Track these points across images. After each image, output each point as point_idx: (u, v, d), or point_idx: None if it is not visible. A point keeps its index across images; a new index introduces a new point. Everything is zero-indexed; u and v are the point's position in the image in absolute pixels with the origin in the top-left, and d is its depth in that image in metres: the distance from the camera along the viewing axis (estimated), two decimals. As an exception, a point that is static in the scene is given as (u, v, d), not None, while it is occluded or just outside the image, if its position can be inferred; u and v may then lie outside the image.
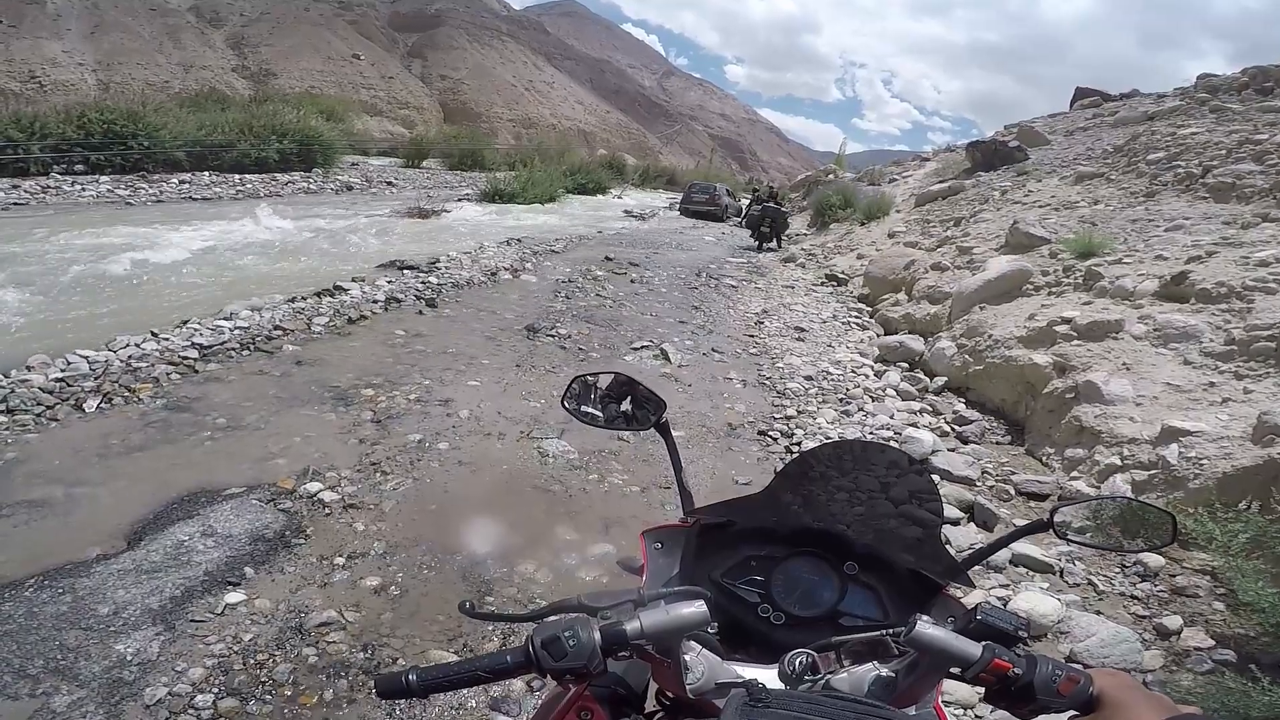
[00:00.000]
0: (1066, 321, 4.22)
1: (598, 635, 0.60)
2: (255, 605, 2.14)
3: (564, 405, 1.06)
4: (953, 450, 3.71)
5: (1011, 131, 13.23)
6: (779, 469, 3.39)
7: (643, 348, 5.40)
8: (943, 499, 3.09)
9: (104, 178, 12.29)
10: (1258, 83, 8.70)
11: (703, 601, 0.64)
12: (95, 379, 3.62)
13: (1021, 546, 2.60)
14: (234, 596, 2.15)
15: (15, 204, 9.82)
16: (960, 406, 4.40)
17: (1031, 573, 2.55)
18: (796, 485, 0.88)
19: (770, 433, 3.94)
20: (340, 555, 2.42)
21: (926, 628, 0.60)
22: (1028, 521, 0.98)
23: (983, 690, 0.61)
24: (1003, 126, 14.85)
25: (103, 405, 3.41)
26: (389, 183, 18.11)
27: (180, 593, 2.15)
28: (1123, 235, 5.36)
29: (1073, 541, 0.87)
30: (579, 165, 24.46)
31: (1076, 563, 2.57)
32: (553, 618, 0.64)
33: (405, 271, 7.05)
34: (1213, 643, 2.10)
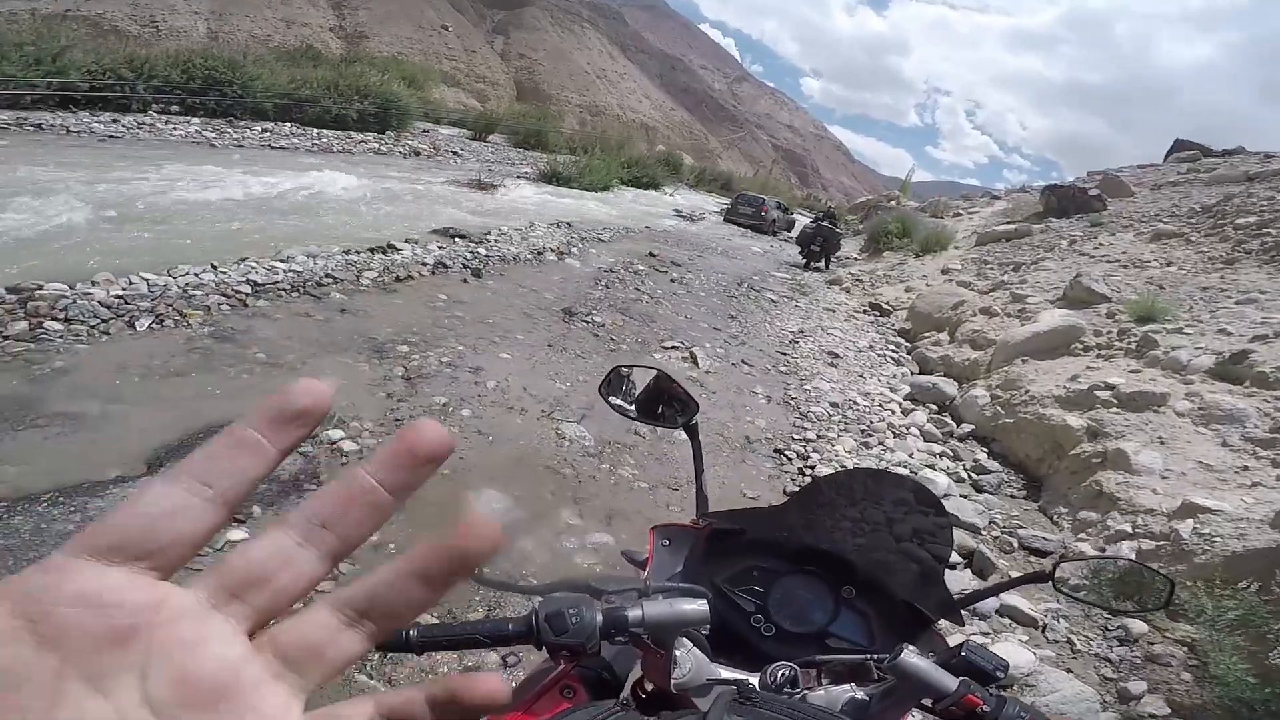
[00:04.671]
0: (1110, 388, 4.08)
1: (599, 617, 0.62)
2: None
3: (600, 391, 1.08)
4: (965, 497, 3.64)
5: (1094, 179, 12.67)
6: (798, 486, 3.40)
7: (673, 348, 5.44)
8: (954, 536, 3.07)
9: (195, 120, 13.00)
10: (1377, 150, 8.06)
11: (705, 601, 0.66)
12: (151, 300, 3.79)
13: (1011, 598, 2.58)
14: (237, 534, 2.16)
15: (112, 136, 10.42)
16: (982, 456, 4.30)
17: (1015, 624, 2.54)
18: (815, 505, 0.89)
19: (786, 452, 3.93)
20: None
21: (911, 657, 0.61)
22: (1028, 572, 0.97)
23: None
24: (1085, 173, 14.24)
25: (153, 325, 3.56)
26: (455, 152, 18.51)
27: None
28: (1189, 303, 5.12)
29: (1069, 596, 0.88)
30: (637, 158, 24.49)
31: (1060, 620, 2.54)
32: (559, 594, 0.65)
33: (456, 239, 7.26)
34: (1169, 710, 2.08)
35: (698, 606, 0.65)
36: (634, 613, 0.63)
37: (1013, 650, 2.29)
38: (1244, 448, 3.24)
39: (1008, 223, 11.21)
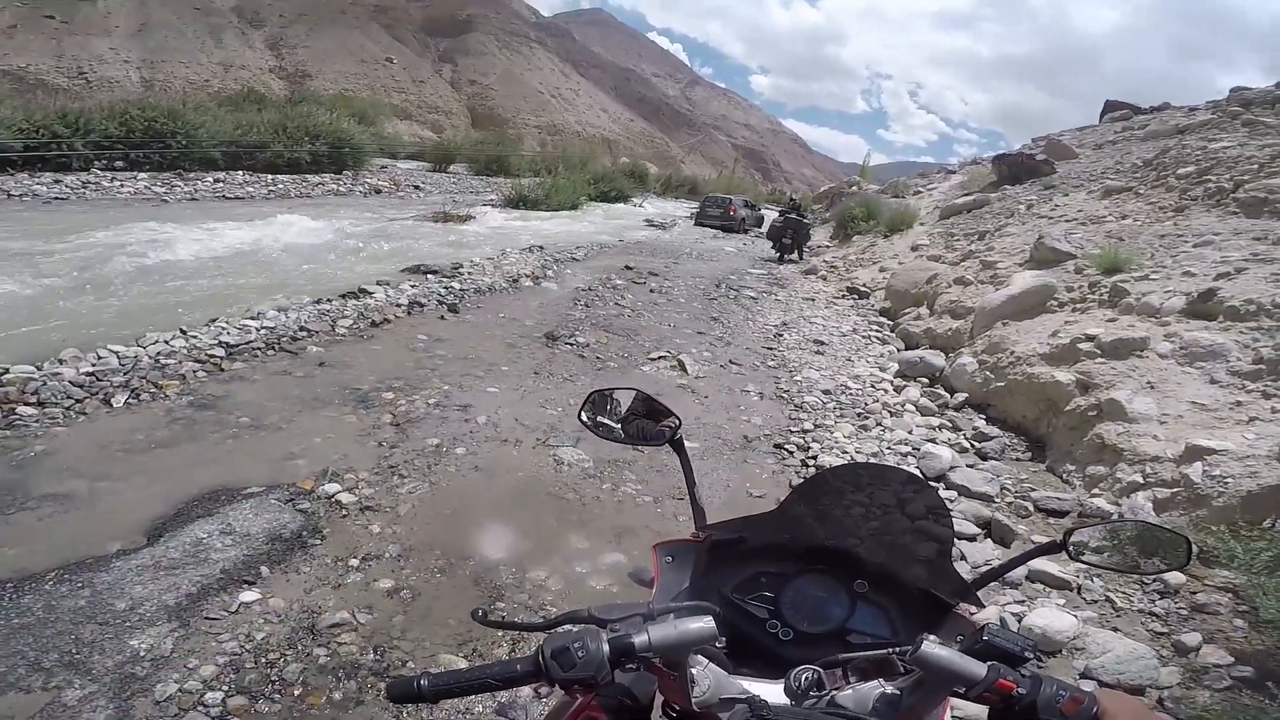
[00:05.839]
0: (1091, 339, 4.15)
1: (606, 647, 0.61)
2: (269, 604, 2.15)
3: (581, 418, 1.07)
4: (971, 466, 3.67)
5: (1039, 144, 13.02)
6: (802, 479, 3.39)
7: (660, 358, 5.42)
8: (954, 517, 3.04)
9: (142, 175, 12.60)
10: (1291, 95, 8.42)
11: (711, 617, 0.65)
12: (124, 374, 3.69)
13: (1039, 563, 2.58)
14: (249, 595, 2.16)
15: (57, 198, 10.14)
16: (980, 423, 4.34)
17: (1048, 589, 2.53)
18: (809, 504, 0.88)
19: (786, 446, 3.92)
20: (355, 557, 2.43)
21: (932, 647, 0.61)
22: (1042, 541, 0.97)
23: (986, 710, 0.62)
24: (1030, 139, 14.64)
25: (130, 401, 3.48)
26: (416, 186, 18.41)
27: (196, 590, 2.16)
28: (1150, 251, 5.25)
29: (1086, 562, 0.86)
30: (602, 173, 24.61)
31: (1094, 579, 2.54)
32: (563, 628, 0.65)
33: (429, 276, 7.18)
34: (1232, 660, 2.06)
35: (703, 624, 0.64)
36: (640, 638, 0.63)
37: (1052, 615, 2.28)
38: (1232, 382, 3.30)
39: (966, 194, 11.45)
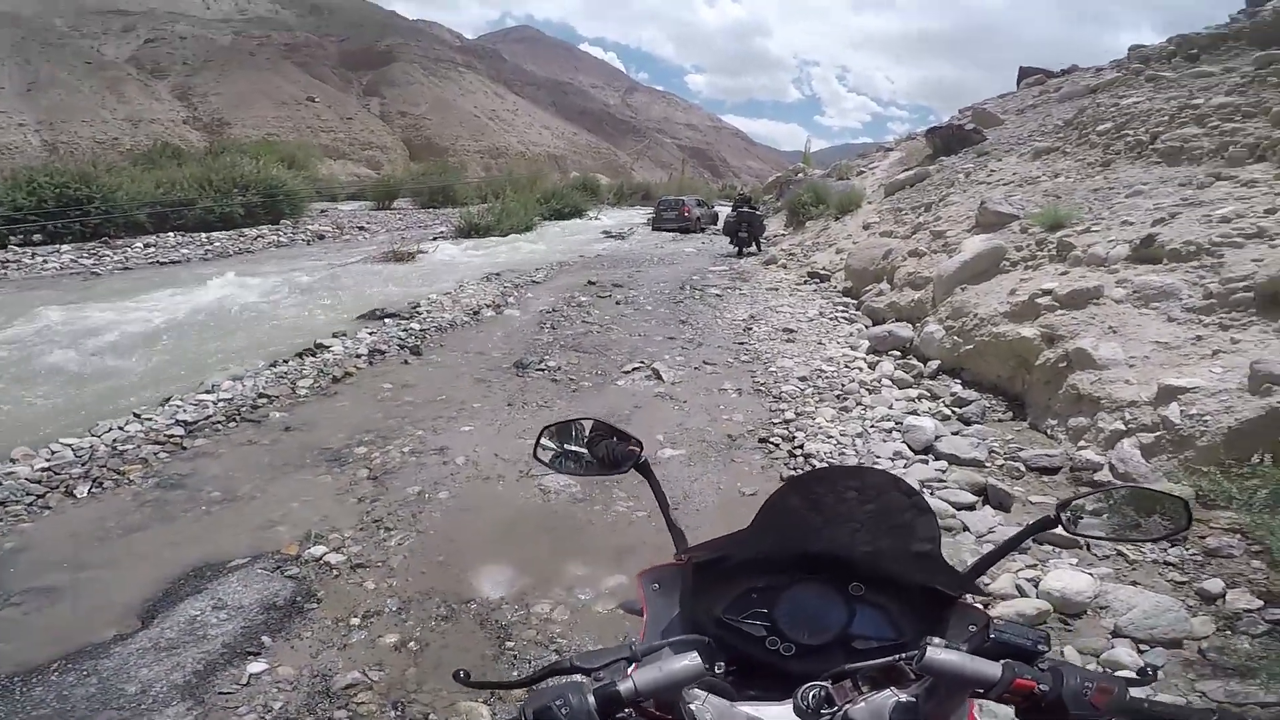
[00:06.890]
0: (1048, 293, 4.28)
1: (591, 699, 0.58)
2: (279, 673, 2.12)
3: (536, 456, 1.02)
4: (956, 433, 3.72)
5: (966, 115, 13.49)
6: (793, 470, 3.36)
7: (634, 369, 5.38)
8: (949, 487, 2.98)
9: (65, 246, 11.83)
10: (1184, 50, 8.89)
11: (696, 652, 0.62)
12: (83, 465, 3.58)
13: None
14: (256, 666, 2.14)
15: (-28, 281, 9.58)
16: (957, 388, 4.42)
17: (1057, 549, 2.50)
18: (783, 515, 0.84)
19: (771, 439, 3.92)
20: (355, 615, 2.40)
21: (938, 652, 0.58)
22: (1033, 520, 0.96)
23: (1013, 709, 0.59)
24: (958, 110, 15.16)
25: (94, 490, 3.37)
26: (361, 227, 18.03)
27: (203, 666, 2.14)
28: (1087, 205, 5.45)
29: (1084, 535, 0.84)
30: (552, 191, 24.52)
31: (1101, 533, 2.55)
32: (544, 684, 0.62)
33: (386, 320, 6.99)
34: (1260, 603, 2.03)
35: (689, 662, 0.61)
36: (625, 685, 0.60)
37: (1068, 576, 2.26)
38: (1189, 319, 3.42)
39: (906, 170, 11.76)
